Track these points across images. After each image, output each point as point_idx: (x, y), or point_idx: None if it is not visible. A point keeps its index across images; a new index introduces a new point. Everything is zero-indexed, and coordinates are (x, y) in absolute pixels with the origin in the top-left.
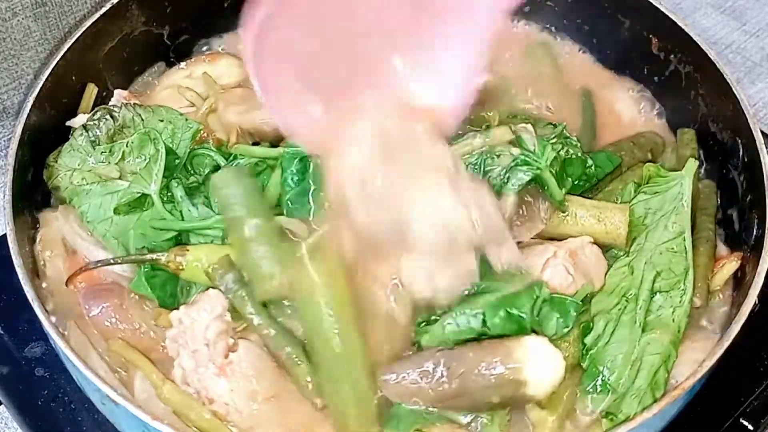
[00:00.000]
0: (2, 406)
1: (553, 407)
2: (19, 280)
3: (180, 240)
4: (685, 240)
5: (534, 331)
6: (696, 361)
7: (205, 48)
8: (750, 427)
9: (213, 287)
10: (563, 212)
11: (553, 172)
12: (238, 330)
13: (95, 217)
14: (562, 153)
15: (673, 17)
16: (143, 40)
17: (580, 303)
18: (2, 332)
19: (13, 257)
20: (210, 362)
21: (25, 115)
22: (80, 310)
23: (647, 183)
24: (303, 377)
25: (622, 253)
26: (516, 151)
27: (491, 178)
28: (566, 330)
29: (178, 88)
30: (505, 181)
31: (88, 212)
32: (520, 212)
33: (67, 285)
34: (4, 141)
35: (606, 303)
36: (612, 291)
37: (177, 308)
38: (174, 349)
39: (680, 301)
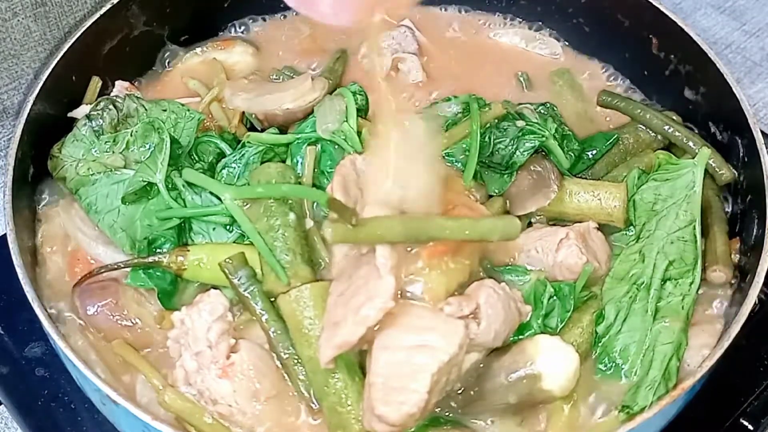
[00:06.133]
0: (2, 406)
1: (568, 396)
2: (19, 280)
3: (183, 229)
4: (695, 229)
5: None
6: (702, 345)
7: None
8: (750, 427)
9: (214, 286)
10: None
11: (557, 141)
12: (238, 328)
13: (103, 207)
14: (559, 129)
15: (673, 17)
16: (143, 40)
17: (575, 285)
18: (2, 332)
19: (13, 257)
20: (212, 364)
21: (25, 116)
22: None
23: (657, 170)
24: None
25: (630, 239)
26: (521, 123)
27: (500, 149)
28: (567, 314)
29: (181, 77)
30: (514, 150)
31: (96, 203)
32: (534, 181)
33: (73, 291)
34: (4, 141)
35: (616, 291)
36: (622, 278)
37: (178, 308)
38: (176, 349)
39: (689, 289)
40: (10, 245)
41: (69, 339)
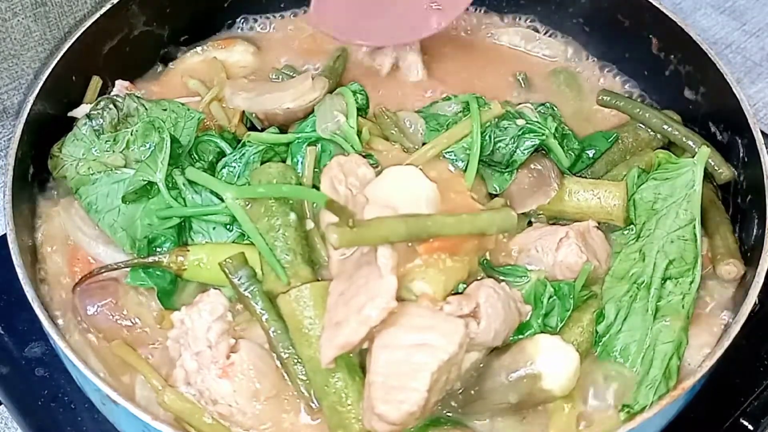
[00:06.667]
0: (2, 406)
1: (568, 395)
2: (19, 280)
3: (183, 228)
4: (695, 228)
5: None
6: (702, 344)
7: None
8: (750, 427)
9: (214, 286)
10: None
11: (557, 140)
12: (237, 327)
13: (103, 206)
14: (559, 128)
15: (673, 17)
16: (143, 40)
17: (575, 284)
18: (2, 332)
19: (13, 257)
20: (212, 364)
21: (25, 116)
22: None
23: (657, 169)
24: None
25: (631, 238)
26: (521, 122)
27: (500, 148)
28: (567, 314)
29: (181, 76)
30: (514, 149)
31: (96, 202)
32: (534, 179)
33: (73, 292)
34: (4, 141)
35: (617, 290)
36: (622, 277)
37: (178, 307)
38: (176, 349)
39: (689, 288)
40: (10, 245)
41: (69, 339)
